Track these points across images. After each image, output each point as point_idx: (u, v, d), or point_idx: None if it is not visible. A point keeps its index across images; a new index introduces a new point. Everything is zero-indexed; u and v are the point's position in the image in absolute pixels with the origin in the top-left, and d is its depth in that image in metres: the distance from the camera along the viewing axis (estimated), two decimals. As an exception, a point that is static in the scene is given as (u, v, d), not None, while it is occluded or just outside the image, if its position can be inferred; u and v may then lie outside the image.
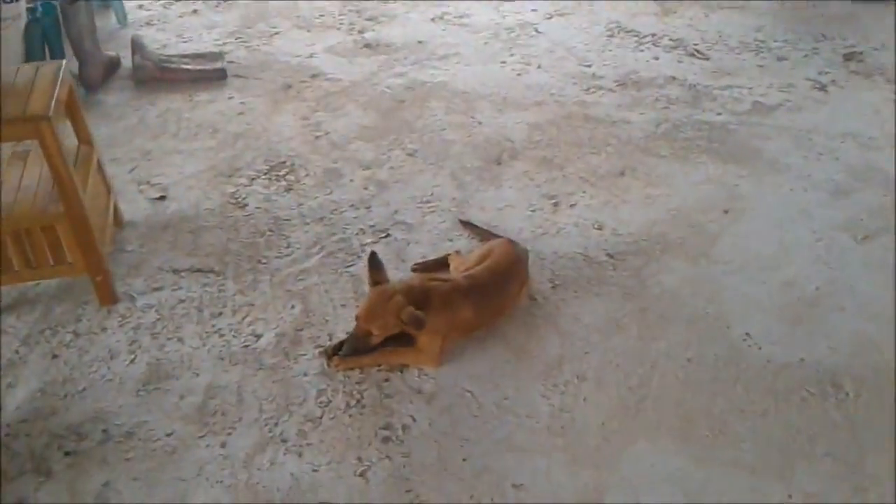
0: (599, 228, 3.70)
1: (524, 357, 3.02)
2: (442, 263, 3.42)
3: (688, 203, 3.88)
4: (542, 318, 3.20)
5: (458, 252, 3.43)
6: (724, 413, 2.82)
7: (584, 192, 3.96)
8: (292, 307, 3.23)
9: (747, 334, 3.14)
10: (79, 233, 3.02)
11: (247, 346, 3.05)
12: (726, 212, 3.82)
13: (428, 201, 3.86)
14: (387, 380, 2.92)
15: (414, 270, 3.40)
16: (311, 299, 3.27)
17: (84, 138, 3.37)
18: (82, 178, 3.17)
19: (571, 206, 3.86)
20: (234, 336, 3.09)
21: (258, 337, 3.09)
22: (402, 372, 2.95)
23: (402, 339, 2.95)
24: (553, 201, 3.88)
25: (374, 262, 2.93)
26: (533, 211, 3.81)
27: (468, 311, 2.97)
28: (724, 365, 3.01)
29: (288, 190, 3.92)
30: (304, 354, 3.02)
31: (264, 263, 3.45)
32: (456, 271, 3.27)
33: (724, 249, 3.59)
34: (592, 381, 2.93)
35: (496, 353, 3.04)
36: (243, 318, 3.17)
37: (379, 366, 2.97)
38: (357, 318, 2.88)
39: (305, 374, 2.93)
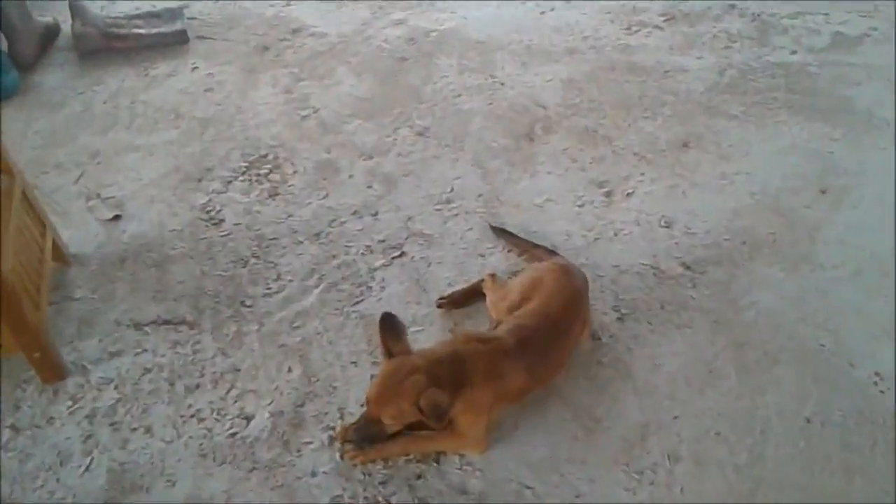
0: (667, 226, 2.93)
1: (595, 429, 2.32)
2: (475, 293, 2.68)
3: (773, 182, 3.10)
4: (612, 367, 2.48)
5: (493, 276, 2.68)
6: (866, 500, 2.13)
7: (641, 174, 3.17)
8: (289, 370, 2.51)
9: (877, 375, 2.43)
10: (3, 306, 2.27)
11: (234, 435, 2.35)
12: (823, 192, 3.05)
13: (448, 200, 3.08)
14: (419, 476, 2.23)
15: (440, 306, 2.66)
16: (311, 357, 2.55)
17: (3, 166, 2.57)
18: (2, 222, 2.40)
19: (628, 195, 3.08)
20: (216, 420, 2.39)
21: (248, 419, 2.38)
22: (438, 462, 2.26)
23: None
24: (604, 190, 3.10)
25: (389, 327, 2.19)
26: (581, 206, 3.03)
27: (518, 378, 2.25)
28: (854, 424, 2.31)
29: (273, 195, 3.14)
30: (310, 443, 2.32)
31: (249, 307, 2.71)
32: (495, 307, 2.54)
33: (828, 247, 2.83)
34: (689, 461, 2.24)
35: (558, 424, 2.34)
36: (227, 392, 2.46)
37: (407, 455, 2.27)
38: (367, 399, 2.17)
39: (313, 474, 2.24)
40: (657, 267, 2.78)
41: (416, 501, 2.18)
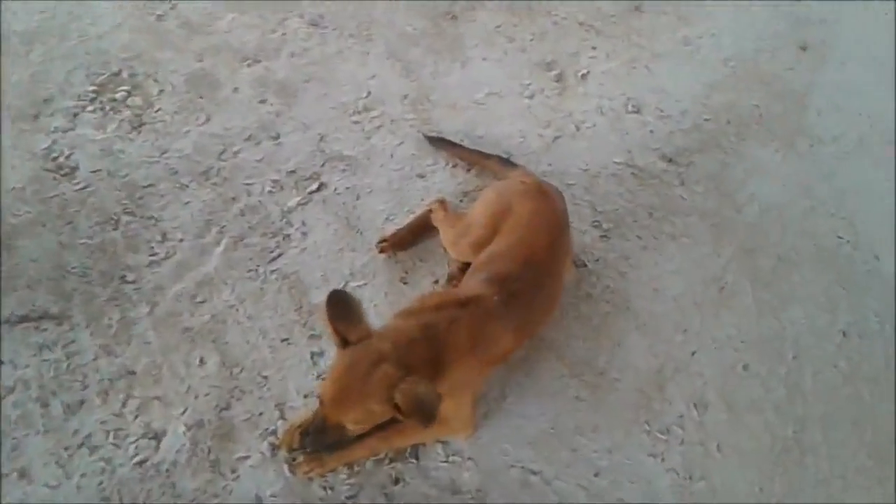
0: (636, 111, 2.44)
1: (601, 385, 1.88)
2: (423, 228, 2.13)
3: (746, 43, 2.64)
4: (605, 300, 2.03)
5: (443, 203, 2.13)
6: (928, 424, 1.81)
7: (593, 48, 2.63)
8: (201, 362, 1.93)
9: (909, 265, 2.06)
10: None
11: (143, 463, 1.78)
12: (803, 48, 2.61)
13: (366, 108, 2.46)
14: (397, 480, 1.76)
15: (382, 251, 2.10)
16: (228, 339, 1.97)
17: None
18: None
19: (583, 76, 2.55)
20: (115, 446, 1.81)
21: (157, 438, 1.81)
22: (417, 458, 1.77)
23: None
24: (554, 73, 2.55)
25: (339, 308, 1.62)
26: (530, 97, 2.48)
27: (506, 340, 1.76)
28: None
29: (137, 127, 2.42)
30: (246, 458, 1.79)
31: (132, 283, 2.07)
32: (455, 246, 2.01)
33: (822, 116, 2.42)
34: (719, 407, 1.85)
35: (554, 385, 1.89)
36: (123, 405, 1.87)
37: (377, 456, 1.77)
38: (320, 399, 1.62)
39: (258, 500, 1.72)
40: (634, 164, 2.30)
41: (399, 516, 1.70)
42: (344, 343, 1.60)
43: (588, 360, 1.91)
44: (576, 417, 1.83)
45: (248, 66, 2.58)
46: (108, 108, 2.46)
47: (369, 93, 2.50)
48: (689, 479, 1.74)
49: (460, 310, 1.71)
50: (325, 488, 1.73)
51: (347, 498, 1.72)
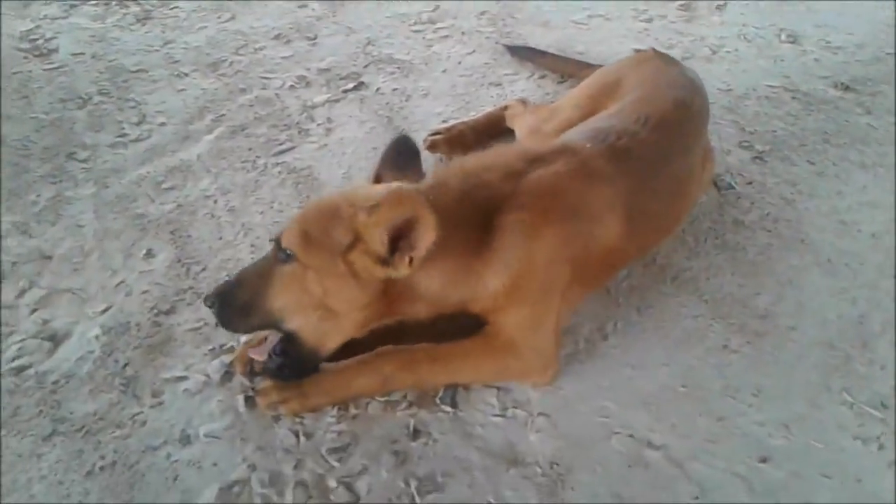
0: (793, 41, 1.83)
1: (766, 331, 1.18)
2: (492, 127, 1.49)
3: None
4: (766, 228, 1.35)
5: (523, 102, 1.49)
6: None
7: (731, -15, 2.05)
8: (147, 254, 1.29)
9: None
10: None
11: (22, 370, 1.16)
12: None
13: (431, 21, 1.90)
14: (416, 432, 1.05)
15: (432, 147, 1.46)
16: (193, 233, 1.35)
17: None
18: None
19: (718, 7, 1.95)
20: (-15, 345, 1.14)
21: (55, 340, 1.17)
22: (454, 406, 1.06)
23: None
24: (680, 2, 1.96)
25: (400, 155, 1.09)
26: (648, 21, 1.90)
27: (610, 220, 1.09)
28: None
29: (142, 20, 1.93)
30: (182, 379, 1.10)
31: (82, 161, 1.50)
32: (534, 136, 1.36)
33: None
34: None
35: (688, 325, 1.18)
36: (20, 294, 1.26)
37: (387, 394, 1.06)
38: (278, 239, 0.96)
39: (186, 440, 1.05)
40: (796, 89, 1.66)
41: (415, 491, 0.96)
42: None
43: (743, 299, 1.19)
44: (724, 374, 1.09)
45: (293, -21, 2.09)
46: (114, 3, 1.98)
47: (437, 7, 1.95)
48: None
49: (529, 164, 1.05)
50: (296, 434, 1.02)
51: (331, 451, 1.00)
